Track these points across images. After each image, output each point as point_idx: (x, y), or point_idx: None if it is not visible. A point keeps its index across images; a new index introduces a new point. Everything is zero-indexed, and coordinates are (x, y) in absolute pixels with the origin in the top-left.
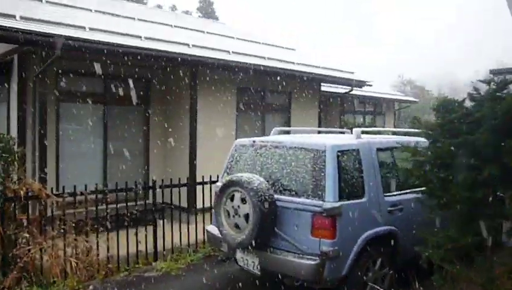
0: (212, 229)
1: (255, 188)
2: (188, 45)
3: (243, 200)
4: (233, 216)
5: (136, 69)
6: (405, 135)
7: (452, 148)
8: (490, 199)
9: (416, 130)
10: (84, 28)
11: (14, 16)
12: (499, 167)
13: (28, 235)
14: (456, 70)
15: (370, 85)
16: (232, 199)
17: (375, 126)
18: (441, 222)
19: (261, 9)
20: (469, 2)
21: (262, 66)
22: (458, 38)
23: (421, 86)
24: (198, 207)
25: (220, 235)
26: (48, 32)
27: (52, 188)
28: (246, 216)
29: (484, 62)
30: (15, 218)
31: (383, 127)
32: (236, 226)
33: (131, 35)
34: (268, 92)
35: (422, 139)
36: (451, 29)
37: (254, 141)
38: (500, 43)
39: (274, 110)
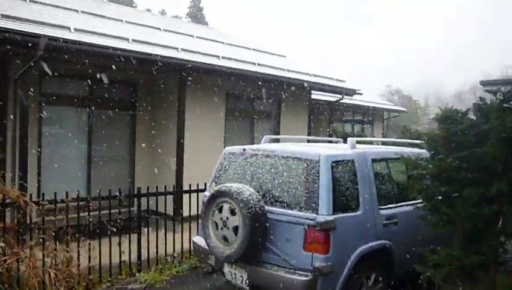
0: (199, 240)
1: (245, 199)
2: (177, 48)
3: (232, 212)
4: (222, 228)
5: (123, 72)
6: (401, 146)
7: (457, 161)
8: (496, 216)
9: (415, 141)
10: (69, 28)
11: None
12: (508, 183)
13: (3, 245)
14: (442, 81)
15: (360, 94)
16: (220, 210)
17: (364, 135)
18: (439, 237)
19: (260, 9)
20: (460, 14)
21: (252, 72)
22: (445, 50)
23: (408, 95)
24: (184, 215)
25: (207, 248)
26: (30, 31)
27: (31, 195)
28: (235, 228)
29: (470, 73)
30: None
31: (372, 136)
32: (225, 238)
33: (119, 37)
34: (257, 98)
35: (420, 150)
36: (437, 41)
37: (244, 149)
38: (487, 54)
39: (263, 117)
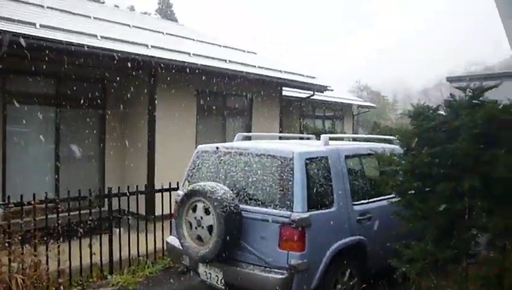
0: (173, 240)
1: (219, 198)
2: (147, 45)
3: (206, 211)
4: (196, 228)
5: (92, 70)
6: (373, 141)
7: (429, 157)
8: (468, 210)
9: (386, 137)
10: (34, 24)
11: None
12: (479, 178)
13: None
14: (409, 77)
15: (331, 90)
16: (194, 210)
17: (335, 131)
18: (413, 232)
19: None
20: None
21: (224, 69)
22: (416, 48)
23: (376, 91)
24: (157, 215)
25: (181, 248)
26: None
27: None
28: (210, 228)
29: (437, 70)
30: None
31: (343, 131)
32: (199, 238)
33: (87, 34)
34: (229, 95)
35: (392, 146)
36: (408, 37)
37: (217, 148)
38: (453, 51)
39: (235, 115)
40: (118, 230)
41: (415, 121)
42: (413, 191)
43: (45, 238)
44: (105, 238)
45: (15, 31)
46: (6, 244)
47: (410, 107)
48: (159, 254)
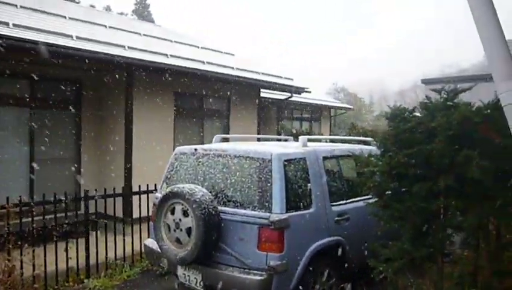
0: (151, 243)
1: (197, 200)
2: (123, 46)
3: (185, 213)
4: (175, 230)
5: (67, 71)
6: (350, 143)
7: (406, 158)
8: (443, 210)
9: (363, 138)
10: (7, 24)
11: None
12: (454, 178)
13: None
14: (385, 79)
15: (309, 92)
16: (172, 212)
17: (313, 132)
18: (390, 232)
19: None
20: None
21: (201, 70)
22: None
23: (353, 93)
24: (134, 217)
25: (159, 250)
26: None
27: None
28: (188, 230)
29: (412, 72)
30: None
31: (320, 133)
32: (178, 240)
33: (62, 34)
34: (207, 97)
35: (368, 147)
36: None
37: (196, 149)
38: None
39: (213, 116)
40: (94, 233)
41: (392, 122)
42: (390, 192)
43: (19, 243)
44: (81, 242)
45: None
46: None
47: (386, 108)
48: (137, 257)
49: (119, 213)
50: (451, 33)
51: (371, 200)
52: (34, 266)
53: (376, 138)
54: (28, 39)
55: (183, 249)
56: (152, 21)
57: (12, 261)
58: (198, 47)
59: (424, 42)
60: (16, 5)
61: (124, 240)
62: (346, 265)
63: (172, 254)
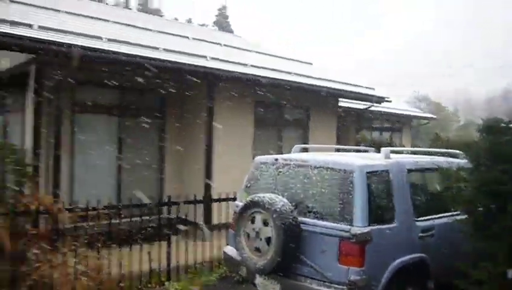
0: (230, 250)
1: (278, 209)
2: (205, 57)
3: (265, 223)
4: (254, 239)
5: (153, 81)
6: (435, 155)
7: (501, 174)
8: None
9: (449, 151)
10: (101, 38)
11: (30, 25)
12: None
13: (38, 251)
14: (469, 86)
15: (389, 101)
16: (252, 221)
17: (394, 143)
18: (478, 250)
19: (268, 11)
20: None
21: (281, 80)
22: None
23: (436, 102)
24: (213, 223)
25: (238, 258)
26: (64, 42)
27: (63, 203)
28: (268, 240)
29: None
30: (25, 233)
31: (402, 144)
32: (257, 249)
33: (149, 47)
34: (286, 107)
35: (455, 160)
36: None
37: (276, 159)
38: None
39: (292, 126)
40: (175, 238)
41: (485, 134)
42: (482, 209)
43: (107, 243)
44: (163, 245)
45: (83, 44)
46: (73, 247)
47: (471, 117)
48: (216, 263)
49: (199, 219)
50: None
51: (459, 217)
52: (120, 265)
53: (466, 151)
54: (120, 52)
55: (262, 259)
56: (231, 31)
57: (101, 259)
58: (276, 56)
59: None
60: (108, 20)
61: (203, 245)
62: (429, 284)
63: (251, 263)
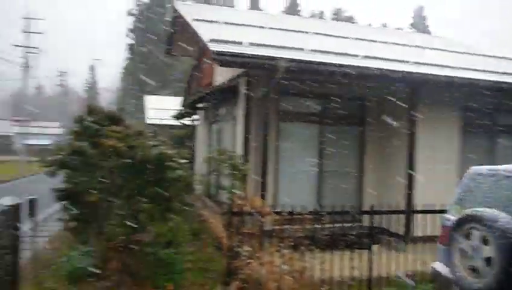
0: (439, 267)
1: (501, 227)
2: (407, 62)
3: (484, 240)
4: (470, 257)
5: (351, 89)
6: None
7: None
8: None
9: None
10: (302, 49)
11: (240, 43)
12: None
13: (249, 249)
14: None
15: None
16: (468, 237)
17: None
18: None
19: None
20: None
21: (494, 82)
22: None
23: None
24: (415, 235)
25: (449, 276)
26: (272, 55)
27: (272, 205)
28: (488, 260)
29: None
30: (238, 232)
31: None
32: (473, 269)
33: (349, 55)
34: (498, 111)
35: None
36: None
37: (496, 170)
38: None
39: (506, 133)
40: (375, 247)
41: None
42: None
43: (310, 247)
44: (363, 254)
45: (288, 57)
46: (278, 248)
47: None
48: (417, 278)
49: (399, 230)
50: None
51: None
52: (322, 269)
53: None
54: (322, 62)
55: (479, 280)
56: (428, 33)
57: (304, 262)
58: (486, 56)
59: None
60: (307, 32)
61: (403, 258)
62: None
63: (465, 283)
